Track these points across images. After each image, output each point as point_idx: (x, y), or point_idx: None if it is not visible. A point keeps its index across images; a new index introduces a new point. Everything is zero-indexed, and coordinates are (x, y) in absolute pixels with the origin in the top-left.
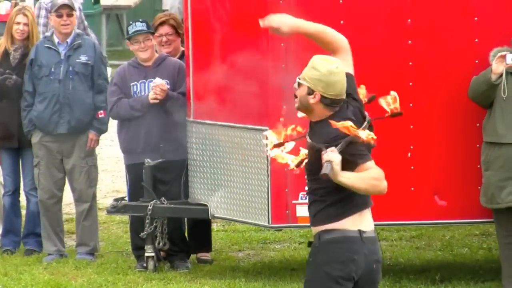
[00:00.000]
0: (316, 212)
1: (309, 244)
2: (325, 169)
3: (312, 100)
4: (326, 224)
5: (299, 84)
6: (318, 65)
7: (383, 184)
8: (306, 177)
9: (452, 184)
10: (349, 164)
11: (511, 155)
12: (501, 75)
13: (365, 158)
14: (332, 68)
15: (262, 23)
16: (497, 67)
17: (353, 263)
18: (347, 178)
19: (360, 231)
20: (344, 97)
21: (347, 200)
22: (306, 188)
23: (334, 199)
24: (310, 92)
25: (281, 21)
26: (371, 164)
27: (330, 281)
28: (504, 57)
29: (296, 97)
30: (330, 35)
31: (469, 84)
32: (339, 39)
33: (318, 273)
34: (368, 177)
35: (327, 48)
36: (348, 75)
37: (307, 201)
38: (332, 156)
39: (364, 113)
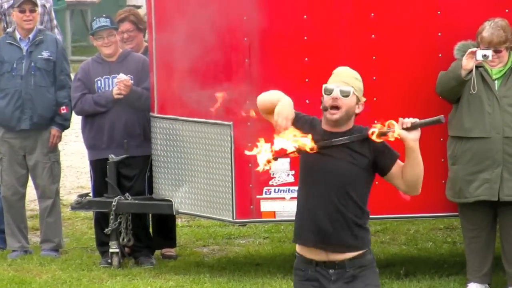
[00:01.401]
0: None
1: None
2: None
3: (358, 110)
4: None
5: (348, 94)
6: (358, 76)
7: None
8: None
9: None
10: (385, 159)
11: (479, 149)
12: (470, 71)
13: (397, 154)
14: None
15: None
16: (467, 63)
17: None
18: (418, 152)
19: None
20: None
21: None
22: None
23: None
24: (357, 101)
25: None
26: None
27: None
28: (474, 53)
29: (334, 109)
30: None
31: (434, 79)
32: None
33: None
34: (422, 167)
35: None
36: None
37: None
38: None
39: None
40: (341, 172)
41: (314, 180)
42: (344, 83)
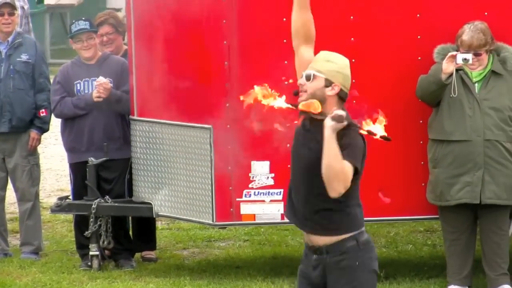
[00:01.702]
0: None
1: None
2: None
3: (330, 92)
4: (359, 228)
5: (314, 77)
6: (334, 58)
7: (338, 186)
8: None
9: (396, 181)
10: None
11: (460, 152)
12: (451, 75)
13: (353, 157)
14: (347, 61)
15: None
16: (448, 67)
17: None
18: (333, 141)
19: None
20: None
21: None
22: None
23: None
24: (328, 84)
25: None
26: (349, 165)
27: (375, 278)
28: (454, 57)
29: (302, 92)
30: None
31: (413, 82)
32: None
33: (370, 273)
34: (343, 166)
35: (302, 33)
36: None
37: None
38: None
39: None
40: (306, 158)
41: (292, 164)
42: (311, 67)
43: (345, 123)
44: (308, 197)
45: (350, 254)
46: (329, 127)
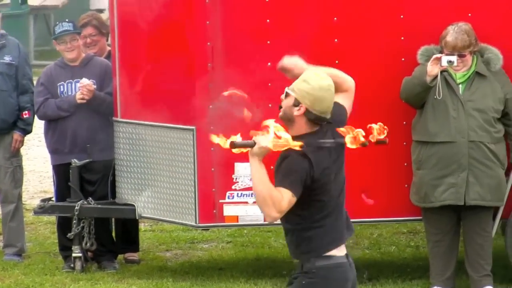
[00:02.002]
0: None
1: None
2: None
3: (296, 112)
4: (319, 251)
5: (287, 94)
6: (310, 79)
7: (271, 213)
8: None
9: (379, 182)
10: (275, 176)
11: (444, 153)
12: (436, 77)
13: (282, 182)
14: (323, 84)
15: (278, 66)
16: (432, 69)
17: None
18: (256, 169)
19: (347, 255)
20: (328, 117)
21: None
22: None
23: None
24: (296, 103)
25: (295, 63)
26: (283, 190)
27: None
28: (439, 59)
29: (281, 107)
30: (339, 79)
31: (397, 83)
32: (346, 81)
33: None
34: (271, 192)
35: (338, 90)
36: (340, 105)
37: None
38: (262, 139)
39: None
40: None
41: None
42: (292, 84)
43: (263, 147)
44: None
45: (302, 275)
46: (250, 153)
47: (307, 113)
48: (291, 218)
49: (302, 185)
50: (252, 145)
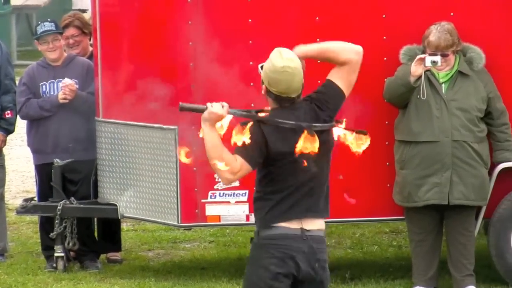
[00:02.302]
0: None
1: (251, 240)
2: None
3: (262, 90)
4: (264, 223)
5: (260, 72)
6: (271, 59)
7: (225, 175)
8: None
9: (361, 182)
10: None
11: (428, 153)
12: (419, 77)
13: (236, 149)
14: (277, 66)
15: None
16: (416, 70)
17: (292, 260)
18: (206, 133)
19: (302, 229)
20: (292, 96)
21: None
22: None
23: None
24: (262, 82)
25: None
26: (238, 157)
27: (268, 276)
28: (423, 59)
29: None
30: (332, 52)
31: (379, 82)
32: (342, 53)
33: (257, 268)
34: (219, 152)
35: (335, 63)
36: (332, 85)
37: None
38: (216, 105)
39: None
40: None
41: None
42: None
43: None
44: None
45: (251, 246)
46: (201, 118)
47: (268, 92)
48: (255, 185)
49: (258, 154)
50: (203, 110)
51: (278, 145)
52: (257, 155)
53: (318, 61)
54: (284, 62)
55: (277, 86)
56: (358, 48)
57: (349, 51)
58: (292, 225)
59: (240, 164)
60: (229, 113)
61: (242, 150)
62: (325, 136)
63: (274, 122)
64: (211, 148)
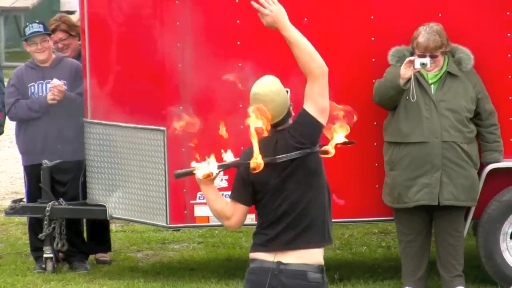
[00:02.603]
0: None
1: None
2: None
3: None
4: (251, 252)
5: None
6: (255, 83)
7: (224, 222)
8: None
9: (350, 183)
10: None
11: (417, 154)
12: (409, 80)
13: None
14: (251, 92)
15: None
16: (405, 72)
17: None
18: (203, 192)
19: (278, 263)
20: (272, 121)
21: (269, 234)
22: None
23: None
24: None
25: (272, 12)
26: (229, 202)
27: None
28: (412, 62)
29: None
30: (303, 53)
31: (367, 83)
32: (312, 65)
33: None
34: (212, 207)
35: (300, 67)
36: (305, 114)
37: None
38: (202, 167)
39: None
40: None
41: None
42: None
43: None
44: None
45: None
46: (197, 180)
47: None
48: None
49: (244, 189)
50: (191, 173)
51: (258, 178)
52: (243, 189)
53: None
54: (255, 89)
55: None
56: (324, 67)
57: (317, 61)
58: (265, 257)
59: (231, 208)
60: (218, 167)
61: (231, 195)
62: (298, 163)
63: (237, 164)
64: (209, 206)
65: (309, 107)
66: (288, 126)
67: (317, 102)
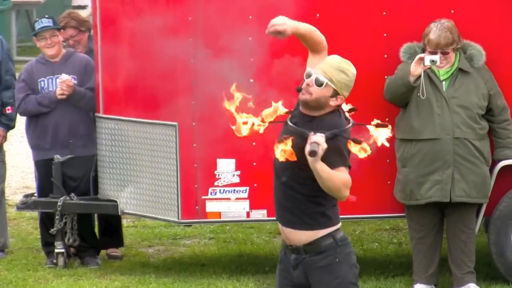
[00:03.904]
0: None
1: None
2: (312, 147)
3: (333, 102)
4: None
5: (326, 85)
6: (346, 69)
7: (346, 193)
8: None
9: (362, 179)
10: (328, 159)
11: (429, 150)
12: (419, 77)
13: (344, 161)
14: (355, 73)
15: (267, 30)
16: (416, 69)
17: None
18: (321, 170)
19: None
20: None
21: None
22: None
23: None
24: (334, 94)
25: (285, 24)
26: (345, 169)
27: (356, 277)
28: (422, 59)
29: (306, 93)
30: (319, 35)
31: (379, 79)
32: (324, 39)
33: (351, 267)
34: (341, 179)
35: (314, 48)
36: None
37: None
38: (320, 139)
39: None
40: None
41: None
42: (324, 72)
43: (321, 149)
44: (290, 190)
45: (328, 252)
46: (310, 162)
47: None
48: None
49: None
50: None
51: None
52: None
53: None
54: (353, 66)
55: (349, 92)
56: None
57: (323, 39)
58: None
59: (348, 175)
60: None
61: (346, 161)
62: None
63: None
64: (331, 182)
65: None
66: None
67: None
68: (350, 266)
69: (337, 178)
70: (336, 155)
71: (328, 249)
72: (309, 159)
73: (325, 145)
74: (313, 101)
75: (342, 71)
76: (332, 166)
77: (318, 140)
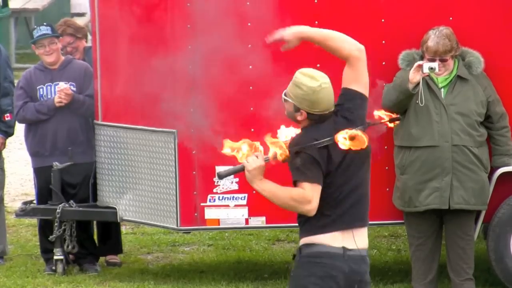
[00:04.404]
0: (300, 222)
1: (293, 257)
2: (218, 169)
3: (299, 117)
4: (308, 236)
5: (285, 100)
6: (301, 83)
7: (304, 207)
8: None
9: None
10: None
11: (428, 158)
12: (418, 84)
13: (300, 175)
14: (314, 87)
15: (270, 39)
16: (414, 77)
17: (332, 280)
18: (262, 190)
19: (344, 248)
20: (332, 109)
21: (333, 215)
22: None
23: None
24: (296, 109)
25: (290, 33)
26: (305, 183)
27: None
28: (421, 66)
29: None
30: (336, 42)
31: (377, 87)
32: (348, 46)
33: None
34: (291, 194)
35: (339, 56)
36: (349, 91)
37: (213, 203)
38: (252, 160)
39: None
40: None
41: None
42: (287, 88)
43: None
44: None
45: (295, 262)
46: (248, 178)
47: (309, 115)
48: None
49: (318, 169)
50: (242, 169)
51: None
52: (317, 172)
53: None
54: (319, 80)
55: (320, 106)
56: (360, 46)
57: (350, 44)
58: (332, 241)
59: (310, 190)
60: (265, 160)
61: (305, 177)
62: None
63: (311, 146)
64: (277, 199)
65: (352, 85)
66: (333, 110)
67: (361, 80)
68: (296, 286)
69: (283, 195)
70: (293, 169)
71: (296, 259)
72: (247, 176)
73: (253, 167)
74: (287, 116)
75: (297, 85)
76: (293, 181)
77: (250, 160)
